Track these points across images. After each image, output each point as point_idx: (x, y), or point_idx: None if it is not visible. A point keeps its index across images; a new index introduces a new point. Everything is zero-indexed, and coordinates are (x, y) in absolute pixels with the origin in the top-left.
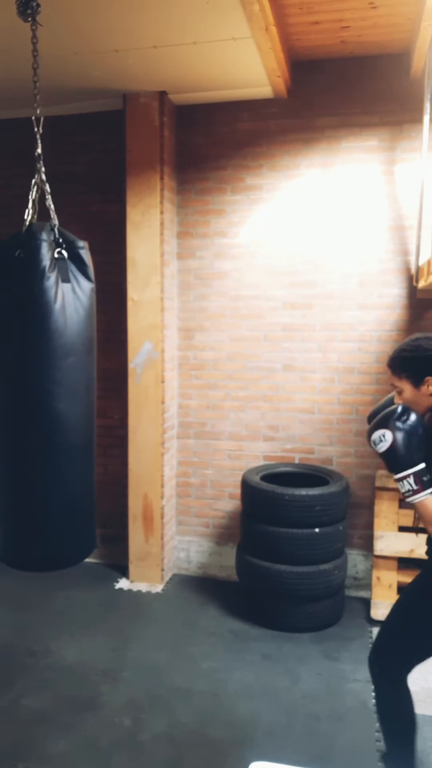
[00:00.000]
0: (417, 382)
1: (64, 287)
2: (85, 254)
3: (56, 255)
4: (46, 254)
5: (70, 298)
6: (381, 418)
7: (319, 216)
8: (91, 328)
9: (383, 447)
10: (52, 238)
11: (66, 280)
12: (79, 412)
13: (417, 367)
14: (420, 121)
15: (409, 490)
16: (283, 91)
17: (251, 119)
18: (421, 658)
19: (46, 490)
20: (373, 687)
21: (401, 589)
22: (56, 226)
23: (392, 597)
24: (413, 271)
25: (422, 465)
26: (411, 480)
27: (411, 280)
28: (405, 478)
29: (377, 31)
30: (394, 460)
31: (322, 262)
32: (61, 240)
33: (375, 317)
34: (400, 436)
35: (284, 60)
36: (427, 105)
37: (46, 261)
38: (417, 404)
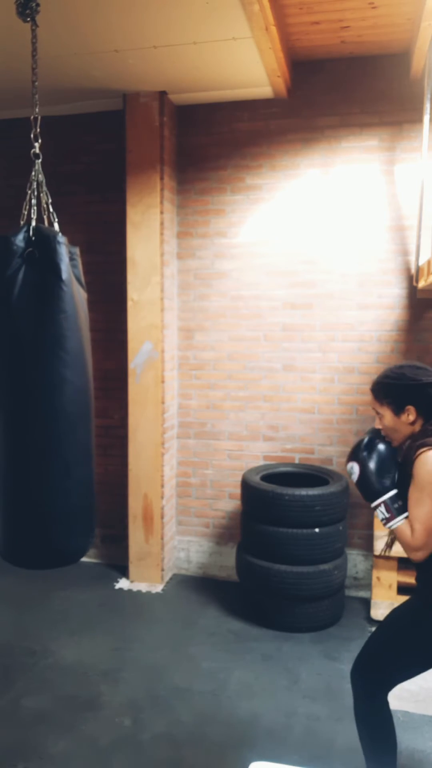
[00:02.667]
0: (398, 409)
1: (78, 290)
2: (78, 259)
3: (70, 259)
4: (66, 259)
5: (80, 302)
6: (352, 449)
7: (319, 216)
8: (87, 331)
9: (354, 479)
10: (65, 242)
11: (80, 283)
12: (80, 413)
13: (399, 395)
14: (420, 121)
15: (383, 518)
16: (283, 91)
17: (251, 119)
18: (402, 679)
19: (50, 486)
20: (353, 703)
21: (401, 589)
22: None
23: (392, 597)
24: (413, 271)
25: (392, 492)
26: (383, 509)
27: (411, 280)
28: (378, 507)
29: (377, 31)
30: (364, 491)
31: (322, 262)
32: (68, 245)
33: (375, 317)
34: (367, 467)
35: (284, 60)
36: (427, 105)
37: (66, 267)
38: (396, 431)
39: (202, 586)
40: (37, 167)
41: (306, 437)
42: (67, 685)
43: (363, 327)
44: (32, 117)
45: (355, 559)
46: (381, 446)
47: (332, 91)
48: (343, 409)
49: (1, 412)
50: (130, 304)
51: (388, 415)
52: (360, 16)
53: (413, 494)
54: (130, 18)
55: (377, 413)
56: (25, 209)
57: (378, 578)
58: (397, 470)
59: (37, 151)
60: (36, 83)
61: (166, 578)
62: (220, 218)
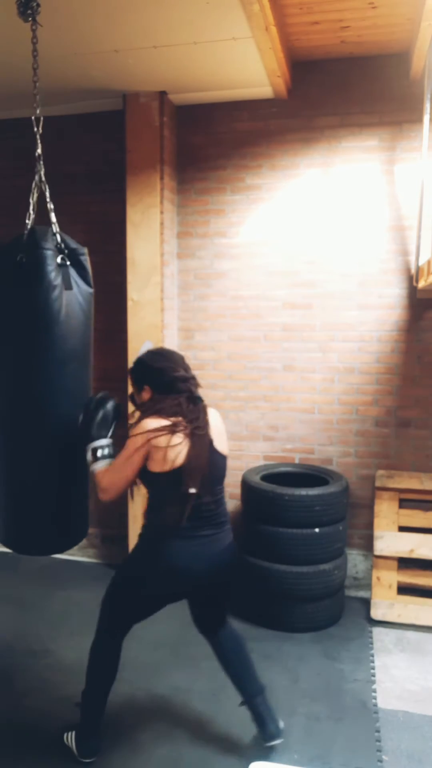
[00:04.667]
0: (138, 387)
1: (68, 295)
2: (86, 261)
3: (59, 262)
4: (51, 263)
5: (73, 305)
6: (86, 401)
7: (319, 216)
8: (90, 332)
9: (79, 423)
10: (54, 245)
11: (69, 287)
12: (77, 413)
13: (137, 377)
14: (420, 121)
15: (89, 461)
16: (282, 91)
17: (251, 119)
18: (137, 620)
19: (45, 483)
20: (94, 636)
21: (401, 589)
22: (58, 232)
23: (392, 597)
24: (413, 271)
25: (103, 442)
26: (90, 453)
27: (411, 280)
28: (86, 451)
29: (377, 31)
30: (82, 435)
31: (322, 262)
32: (63, 247)
33: (375, 317)
34: (88, 416)
35: (284, 60)
36: (427, 105)
37: (51, 270)
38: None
39: None
40: (39, 167)
41: (306, 437)
42: (67, 685)
43: (363, 327)
44: (34, 117)
45: (355, 559)
46: (109, 404)
47: (332, 91)
48: (343, 409)
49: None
50: (130, 304)
51: (134, 390)
52: (360, 16)
53: (121, 453)
54: (130, 18)
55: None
56: (32, 209)
57: (378, 578)
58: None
59: (39, 151)
60: (37, 83)
61: None
62: (219, 218)
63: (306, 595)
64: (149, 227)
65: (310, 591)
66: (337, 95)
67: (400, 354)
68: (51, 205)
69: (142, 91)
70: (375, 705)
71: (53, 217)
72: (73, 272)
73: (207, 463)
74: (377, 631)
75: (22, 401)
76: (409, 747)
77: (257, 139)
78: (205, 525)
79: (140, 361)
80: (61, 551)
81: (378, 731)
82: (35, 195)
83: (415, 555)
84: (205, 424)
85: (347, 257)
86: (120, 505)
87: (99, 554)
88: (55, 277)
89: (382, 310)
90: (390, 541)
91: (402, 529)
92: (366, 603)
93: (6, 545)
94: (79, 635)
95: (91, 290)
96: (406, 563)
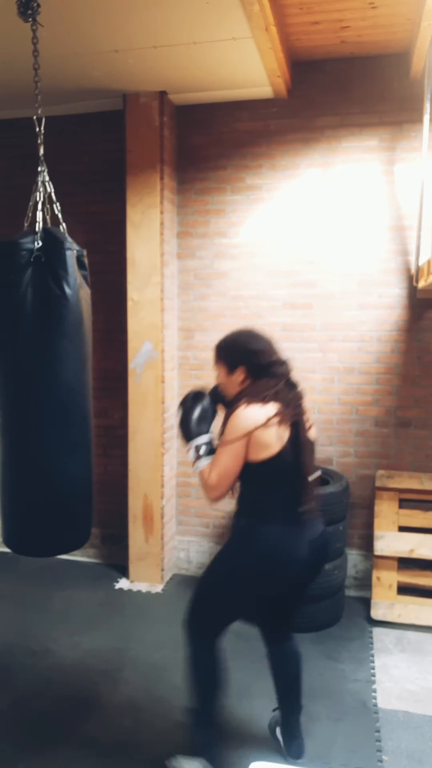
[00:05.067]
0: (230, 369)
1: (83, 293)
2: (86, 262)
3: (77, 261)
4: (72, 263)
5: (85, 304)
6: (182, 400)
7: (319, 216)
8: (90, 332)
9: (177, 421)
10: (71, 245)
11: (87, 286)
12: (86, 412)
13: (230, 358)
14: (420, 121)
15: (193, 459)
16: (283, 91)
17: (251, 119)
18: (231, 619)
19: (46, 484)
20: (186, 645)
21: (401, 589)
22: (66, 231)
23: (392, 597)
24: (413, 271)
25: (204, 438)
26: (193, 451)
27: (411, 280)
28: (190, 449)
29: (377, 31)
30: (182, 434)
31: (322, 262)
32: (74, 247)
33: (375, 317)
34: (188, 413)
35: (284, 60)
36: (427, 105)
37: (74, 271)
38: (228, 386)
39: None
40: (42, 168)
41: None
42: (67, 685)
43: (363, 327)
44: (35, 117)
45: (355, 559)
46: (205, 399)
47: (332, 91)
48: (343, 409)
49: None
50: (130, 304)
51: (222, 373)
52: (360, 16)
53: (220, 446)
54: (130, 18)
55: (216, 369)
56: (30, 211)
57: (378, 578)
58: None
59: (42, 152)
60: (38, 83)
61: (166, 578)
62: (220, 218)
63: (306, 595)
64: (149, 227)
65: (310, 591)
66: (337, 95)
67: (400, 354)
68: (58, 206)
69: (142, 91)
70: (375, 705)
71: (60, 218)
72: (83, 271)
73: (313, 449)
74: (377, 631)
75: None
76: (409, 747)
77: (257, 139)
78: (304, 511)
79: (235, 341)
80: (66, 552)
81: (378, 731)
82: (42, 195)
83: (415, 555)
84: (304, 410)
85: (347, 257)
86: (120, 505)
87: (99, 554)
88: (76, 276)
89: (382, 310)
90: (390, 541)
91: (402, 529)
92: (366, 603)
93: (8, 546)
94: (79, 635)
95: (89, 291)
96: (406, 563)
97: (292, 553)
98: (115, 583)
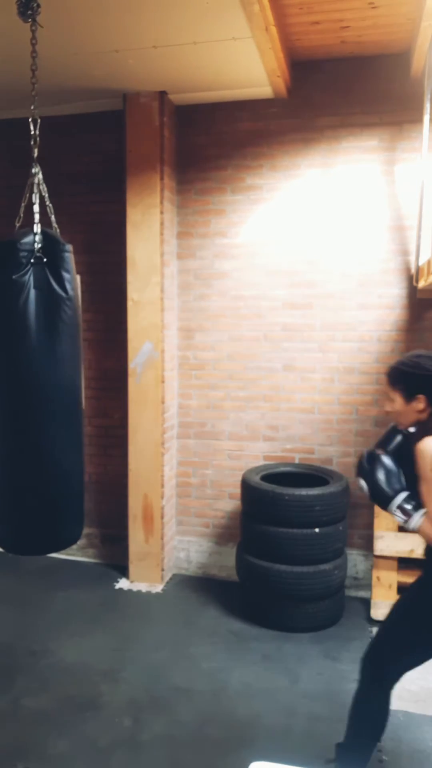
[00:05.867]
0: (409, 396)
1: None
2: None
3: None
4: (70, 264)
5: (78, 303)
6: (356, 466)
7: (319, 216)
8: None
9: (366, 494)
10: (68, 246)
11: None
12: (81, 410)
13: (411, 383)
14: (420, 121)
15: (402, 521)
16: (283, 91)
17: (251, 119)
18: (411, 666)
19: (38, 483)
20: (357, 685)
21: (401, 589)
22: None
23: (392, 597)
24: (413, 271)
25: (403, 494)
26: (399, 512)
27: (411, 280)
28: (394, 512)
29: (377, 31)
30: (378, 501)
31: (322, 262)
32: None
33: (375, 317)
34: (373, 478)
35: (284, 60)
36: (427, 105)
37: (74, 270)
38: (404, 416)
39: (202, 586)
40: (36, 169)
41: (306, 437)
42: (67, 685)
43: (363, 327)
44: (31, 118)
45: (355, 559)
46: (383, 457)
47: (332, 91)
48: (343, 409)
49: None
50: (130, 304)
51: (398, 400)
52: (360, 16)
53: (423, 488)
54: (130, 18)
55: (388, 397)
56: (22, 212)
57: (378, 578)
58: (402, 466)
59: (36, 152)
60: (35, 84)
61: (166, 578)
62: (220, 218)
63: (306, 595)
64: (149, 227)
65: (310, 591)
66: (337, 95)
67: (400, 354)
68: (51, 207)
69: (142, 91)
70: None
71: (53, 218)
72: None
73: None
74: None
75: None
76: (409, 747)
77: (258, 139)
78: None
79: (417, 365)
80: (55, 551)
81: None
82: (37, 196)
83: (415, 555)
84: None
85: (347, 257)
86: (120, 505)
87: (99, 554)
88: (76, 277)
89: (382, 310)
90: (390, 541)
91: (402, 529)
92: (366, 603)
93: (1, 545)
94: (79, 635)
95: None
96: (406, 563)
97: None
98: (115, 583)
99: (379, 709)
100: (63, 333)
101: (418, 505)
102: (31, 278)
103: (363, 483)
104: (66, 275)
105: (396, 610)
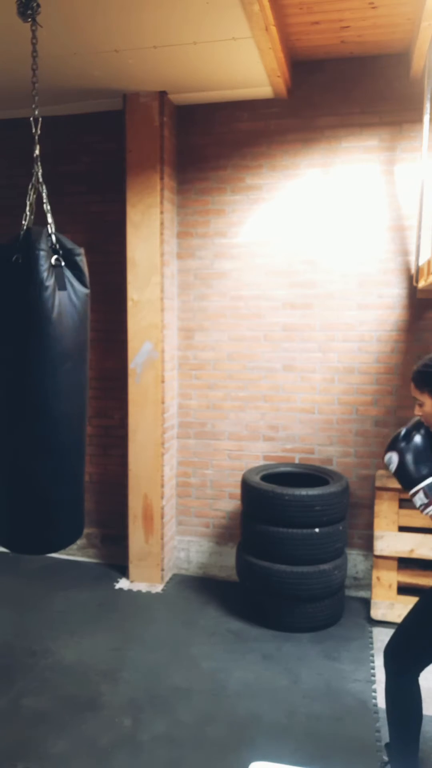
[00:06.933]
0: None
1: (61, 295)
2: (82, 261)
3: (53, 263)
4: (44, 263)
5: (66, 306)
6: (390, 440)
7: (319, 216)
8: (86, 333)
9: (393, 468)
10: (49, 245)
11: (62, 287)
12: (74, 413)
13: None
14: (420, 121)
15: (421, 504)
16: (283, 91)
17: (251, 119)
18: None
19: (43, 484)
20: (384, 680)
21: (401, 589)
22: (54, 233)
23: (392, 597)
24: (413, 271)
25: (429, 480)
26: (421, 495)
27: (411, 280)
28: (416, 493)
29: (377, 31)
30: (403, 479)
31: (322, 262)
32: (58, 247)
33: (375, 317)
34: (405, 456)
35: (284, 60)
36: (427, 105)
37: (44, 270)
38: (430, 417)
39: (202, 586)
40: (36, 169)
41: (306, 437)
42: (67, 685)
43: (363, 327)
44: (32, 118)
45: (355, 559)
46: (417, 437)
47: (332, 91)
48: (343, 409)
49: None
50: (130, 304)
51: (428, 403)
52: (360, 16)
53: None
54: (130, 18)
55: (417, 401)
56: (28, 210)
57: (378, 578)
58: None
59: (37, 152)
60: (36, 84)
61: (166, 578)
62: (220, 218)
63: (306, 595)
64: (149, 227)
65: (310, 591)
66: (337, 95)
67: (400, 354)
68: (47, 206)
69: (142, 91)
70: (375, 705)
71: (50, 218)
72: (67, 273)
73: None
74: (377, 631)
75: (15, 401)
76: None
77: (257, 139)
78: None
79: None
80: (55, 550)
81: (378, 731)
82: (32, 195)
83: (415, 555)
84: None
85: (347, 257)
86: (120, 505)
87: (99, 554)
88: (47, 277)
89: (381, 310)
90: (390, 541)
91: (402, 529)
92: (366, 603)
93: (1, 544)
94: (79, 635)
95: (87, 291)
96: (406, 563)
97: None
98: (115, 583)
99: (412, 700)
100: (81, 334)
101: None
102: (52, 278)
103: (395, 457)
104: (80, 275)
105: (417, 609)
